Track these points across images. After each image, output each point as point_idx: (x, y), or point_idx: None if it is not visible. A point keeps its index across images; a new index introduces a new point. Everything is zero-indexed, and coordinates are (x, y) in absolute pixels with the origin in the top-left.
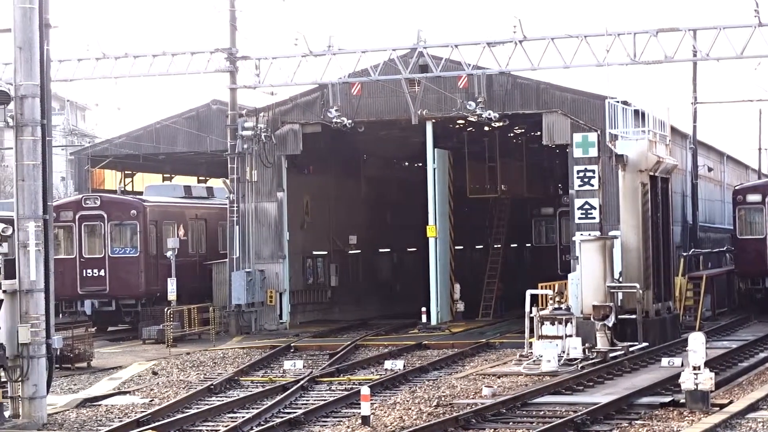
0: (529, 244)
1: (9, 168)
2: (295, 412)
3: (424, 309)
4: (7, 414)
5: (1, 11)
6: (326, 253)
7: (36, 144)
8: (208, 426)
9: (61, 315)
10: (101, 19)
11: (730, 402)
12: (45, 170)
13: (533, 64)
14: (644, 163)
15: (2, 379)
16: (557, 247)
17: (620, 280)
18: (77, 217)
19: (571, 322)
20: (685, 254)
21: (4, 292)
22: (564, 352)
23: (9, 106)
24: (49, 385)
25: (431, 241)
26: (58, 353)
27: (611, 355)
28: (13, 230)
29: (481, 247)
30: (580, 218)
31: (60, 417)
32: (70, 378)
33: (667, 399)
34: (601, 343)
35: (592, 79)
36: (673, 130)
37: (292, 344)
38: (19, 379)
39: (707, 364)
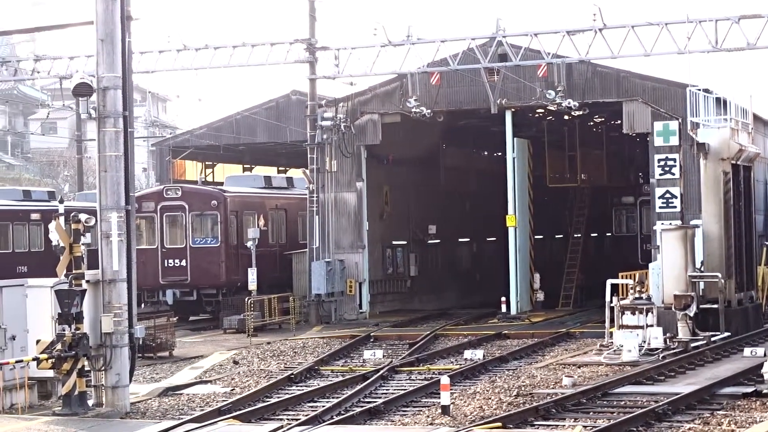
0: (609, 234)
1: (92, 159)
2: (375, 402)
3: (503, 298)
4: (90, 402)
5: (84, 4)
6: (405, 242)
7: (118, 135)
8: (289, 415)
9: (143, 305)
10: (182, 11)
11: None
12: (127, 161)
13: (613, 53)
14: (726, 152)
15: (86, 368)
16: (638, 236)
17: (702, 269)
18: (159, 207)
19: (652, 312)
20: (767, 243)
21: (88, 282)
22: (645, 341)
23: (91, 98)
24: (131, 374)
25: (511, 231)
26: (141, 343)
27: (693, 345)
28: (96, 221)
29: (561, 236)
30: (661, 207)
31: (142, 405)
32: (152, 367)
33: (750, 389)
34: (683, 332)
35: (673, 67)
36: (756, 117)
37: (371, 334)
38: (103, 368)
39: None
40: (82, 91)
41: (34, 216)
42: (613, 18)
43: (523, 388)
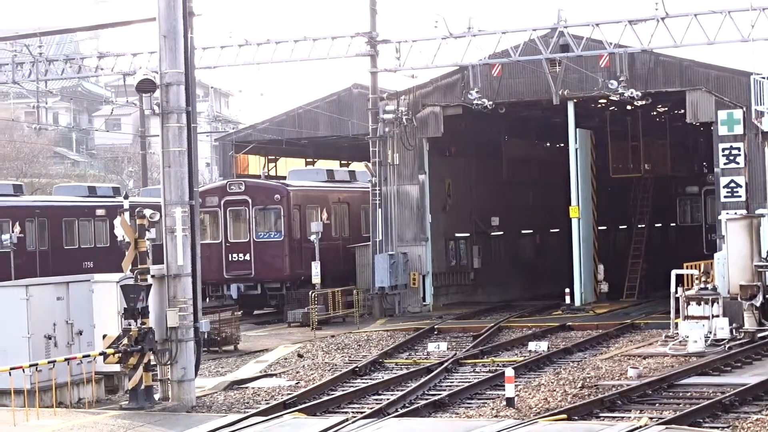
0: (673, 224)
1: (155, 155)
2: (440, 394)
3: (567, 290)
4: (157, 396)
5: (146, 1)
6: (468, 235)
7: (181, 131)
8: (354, 408)
9: (207, 299)
10: (243, 7)
11: None
12: (190, 156)
13: (676, 42)
14: None
15: (152, 363)
16: (702, 226)
17: None
18: (222, 202)
19: (718, 302)
20: None
21: (153, 277)
22: (710, 332)
23: (155, 94)
24: (197, 368)
25: (574, 222)
26: (206, 337)
27: (759, 335)
28: (161, 216)
29: (625, 227)
30: (725, 197)
31: (208, 399)
32: (217, 361)
33: None
34: (749, 323)
35: (737, 55)
36: None
37: (435, 326)
38: (168, 362)
39: None
40: (146, 87)
41: (100, 212)
42: (675, 6)
43: (588, 380)
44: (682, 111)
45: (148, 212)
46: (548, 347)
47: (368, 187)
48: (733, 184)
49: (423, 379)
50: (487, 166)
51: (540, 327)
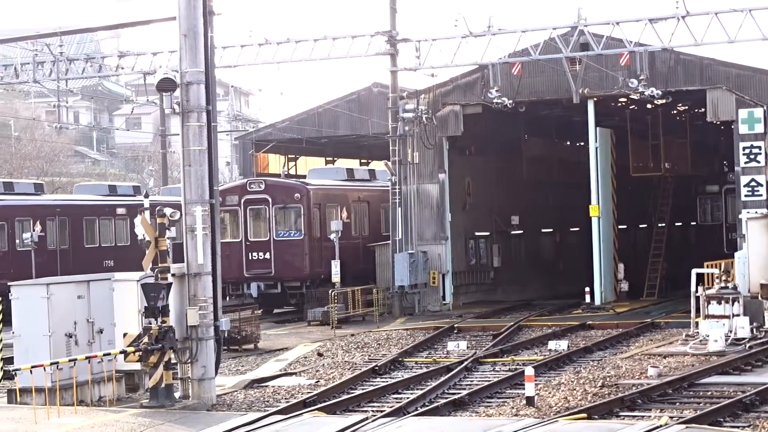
0: (694, 223)
1: (176, 154)
2: (460, 393)
3: (587, 289)
4: (177, 395)
5: (166, 0)
6: (488, 233)
7: (201, 130)
8: (373, 406)
9: (228, 298)
10: (263, 6)
11: None
12: (210, 155)
13: (696, 40)
14: None
15: (172, 361)
16: (723, 225)
17: None
18: (242, 201)
19: (738, 301)
20: None
21: (173, 275)
22: (731, 331)
23: (175, 93)
24: (217, 367)
25: (594, 221)
26: (226, 335)
27: None
28: (181, 215)
29: (645, 226)
30: (746, 195)
31: (228, 398)
32: (237, 359)
33: None
34: None
35: (758, 54)
36: None
37: (455, 325)
38: (189, 360)
39: None
40: (166, 86)
41: (120, 210)
42: (695, 5)
43: (608, 379)
44: (703, 110)
45: (168, 211)
46: (568, 346)
47: (388, 186)
48: (753, 183)
49: (443, 378)
50: (507, 164)
51: (560, 326)
